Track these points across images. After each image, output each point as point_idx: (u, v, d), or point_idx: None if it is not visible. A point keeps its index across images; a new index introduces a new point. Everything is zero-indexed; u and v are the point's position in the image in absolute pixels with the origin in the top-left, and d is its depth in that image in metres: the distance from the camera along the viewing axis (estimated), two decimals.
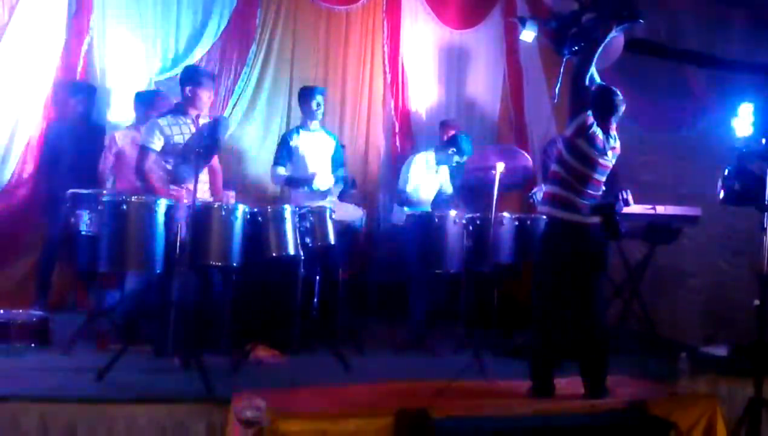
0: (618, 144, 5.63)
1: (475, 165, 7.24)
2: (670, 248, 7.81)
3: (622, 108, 5.65)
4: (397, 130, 9.27)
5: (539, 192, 7.43)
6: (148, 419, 4.96)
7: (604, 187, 5.67)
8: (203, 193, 6.58)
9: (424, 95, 9.47)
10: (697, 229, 7.76)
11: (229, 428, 4.93)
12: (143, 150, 6.45)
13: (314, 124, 7.71)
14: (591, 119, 5.48)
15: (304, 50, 9.05)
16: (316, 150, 7.68)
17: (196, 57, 8.53)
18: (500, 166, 6.70)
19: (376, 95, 9.34)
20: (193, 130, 6.45)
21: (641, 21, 5.89)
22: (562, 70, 6.57)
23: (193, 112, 6.56)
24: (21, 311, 6.77)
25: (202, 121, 6.57)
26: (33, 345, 6.45)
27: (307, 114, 7.70)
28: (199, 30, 8.59)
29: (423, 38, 9.51)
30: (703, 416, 5.53)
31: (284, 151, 7.67)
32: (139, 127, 7.61)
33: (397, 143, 9.27)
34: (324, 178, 7.49)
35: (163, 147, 6.41)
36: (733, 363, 6.76)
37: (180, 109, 6.61)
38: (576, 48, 5.98)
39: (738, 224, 7.95)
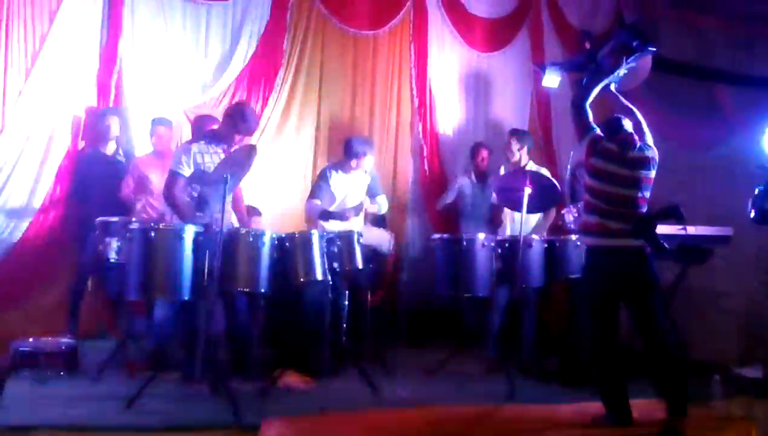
0: (651, 153, 5.53)
1: (503, 187, 7.22)
2: (701, 268, 7.72)
3: (623, 123, 5.59)
4: (425, 153, 9.26)
5: (568, 214, 7.41)
6: None
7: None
8: (230, 217, 6.63)
9: (453, 118, 9.46)
10: (729, 249, 7.66)
11: None
12: (173, 175, 6.46)
13: (354, 171, 7.85)
14: (598, 135, 5.44)
15: (331, 75, 9.08)
16: (352, 190, 7.85)
17: (224, 84, 8.58)
18: (528, 189, 6.70)
19: (404, 119, 9.34)
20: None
21: (652, 50, 5.85)
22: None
23: (225, 145, 6.60)
24: (50, 338, 6.80)
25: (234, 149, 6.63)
26: (62, 372, 6.48)
27: (349, 162, 7.83)
28: (227, 56, 8.63)
29: (450, 61, 9.52)
30: None
31: (322, 186, 7.80)
32: (161, 153, 7.70)
33: (426, 167, 9.26)
34: (357, 220, 7.70)
35: (192, 173, 6.44)
36: None
37: (215, 138, 6.64)
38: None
39: None
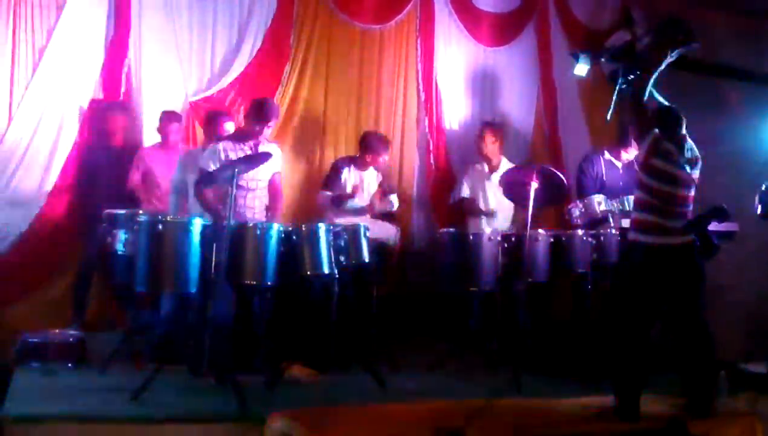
0: (696, 153, 5.59)
1: (510, 182, 7.23)
2: (707, 263, 7.73)
3: (684, 121, 5.61)
4: (431, 148, 9.25)
5: (575, 209, 7.43)
6: None
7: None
8: (260, 214, 6.80)
9: (459, 113, 9.45)
10: (734, 244, 7.66)
11: None
12: (202, 173, 6.61)
13: (367, 167, 7.96)
14: (659, 136, 5.45)
15: (338, 69, 9.06)
16: (364, 185, 7.97)
17: (231, 77, 8.56)
18: (534, 184, 6.70)
19: (410, 113, 9.33)
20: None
21: (696, 45, 5.87)
22: (614, 97, 6.57)
23: (251, 141, 6.74)
24: (58, 330, 6.83)
25: (261, 149, 6.74)
26: (69, 365, 6.51)
27: (363, 157, 7.97)
28: (234, 50, 8.61)
29: (456, 56, 9.50)
30: (743, 434, 5.48)
31: (334, 178, 7.93)
32: (169, 145, 7.75)
33: (432, 161, 9.25)
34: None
35: None
36: None
37: (240, 136, 6.82)
38: (631, 77, 5.96)
39: None
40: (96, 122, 8.02)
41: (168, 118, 7.91)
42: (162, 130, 7.89)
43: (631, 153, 7.89)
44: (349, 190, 7.86)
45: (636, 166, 5.80)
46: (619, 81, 6.08)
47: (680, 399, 5.76)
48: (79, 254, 7.83)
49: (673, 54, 5.75)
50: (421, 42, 9.35)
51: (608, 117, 6.69)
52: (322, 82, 9.00)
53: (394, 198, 8.15)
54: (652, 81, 5.69)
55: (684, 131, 5.61)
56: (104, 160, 7.83)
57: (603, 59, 7.22)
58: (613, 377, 5.65)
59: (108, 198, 7.27)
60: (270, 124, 6.81)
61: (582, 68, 7.83)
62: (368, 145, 7.83)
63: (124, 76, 8.16)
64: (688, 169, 5.51)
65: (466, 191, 8.48)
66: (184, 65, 8.44)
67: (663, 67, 5.75)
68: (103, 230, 6.70)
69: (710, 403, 5.57)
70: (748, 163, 7.70)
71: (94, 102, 8.07)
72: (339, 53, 9.09)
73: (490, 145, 8.31)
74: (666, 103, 5.79)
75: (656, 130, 5.51)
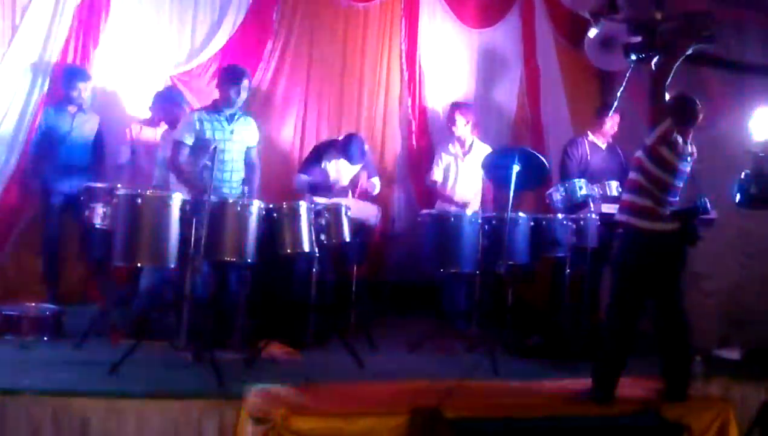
0: (694, 149, 5.63)
1: (492, 164, 7.25)
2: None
3: (701, 116, 5.64)
4: (414, 128, 9.22)
5: (555, 193, 7.44)
6: (160, 414, 4.99)
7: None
8: (236, 189, 6.74)
9: (442, 94, 9.41)
10: (712, 231, 7.70)
11: (241, 424, 4.95)
12: (177, 145, 6.61)
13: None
14: (672, 126, 5.47)
15: (321, 47, 9.01)
16: (343, 169, 7.92)
17: (212, 52, 8.50)
18: (516, 166, 6.72)
19: (393, 93, 9.29)
20: (227, 127, 6.67)
21: (714, 44, 5.92)
22: (627, 75, 6.59)
23: (227, 112, 6.70)
24: (34, 304, 6.79)
25: (237, 121, 6.77)
26: (45, 338, 6.46)
27: (346, 156, 7.80)
28: (215, 24, 8.54)
29: (441, 36, 9.46)
30: (716, 419, 5.55)
31: (314, 165, 7.87)
32: (155, 122, 7.70)
33: (414, 142, 9.22)
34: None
35: (194, 142, 6.56)
36: (747, 366, 6.76)
37: (216, 108, 6.75)
38: (643, 55, 5.99)
39: (753, 227, 7.90)
40: (56, 88, 7.82)
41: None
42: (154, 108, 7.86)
43: (608, 124, 7.91)
44: (330, 174, 7.80)
45: (640, 149, 5.77)
46: (632, 55, 6.09)
47: (654, 383, 5.81)
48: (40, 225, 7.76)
49: (692, 47, 5.78)
50: (405, 21, 9.29)
51: (618, 95, 6.76)
52: (305, 59, 8.96)
53: (376, 181, 8.11)
54: (671, 72, 5.71)
55: (692, 130, 5.65)
56: (61, 128, 7.66)
57: (621, 30, 7.24)
58: (594, 360, 5.69)
59: (63, 167, 7.40)
60: (242, 84, 6.68)
61: (594, 32, 7.90)
62: (347, 150, 7.70)
63: (93, 48, 8.02)
64: (688, 162, 5.57)
65: (438, 175, 8.44)
66: (166, 39, 8.38)
67: (683, 57, 5.77)
68: (81, 204, 6.64)
69: (686, 388, 5.62)
70: (728, 152, 7.71)
71: (55, 66, 7.86)
72: (322, 30, 9.03)
73: (462, 127, 8.29)
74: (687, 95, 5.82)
75: (669, 119, 5.52)
